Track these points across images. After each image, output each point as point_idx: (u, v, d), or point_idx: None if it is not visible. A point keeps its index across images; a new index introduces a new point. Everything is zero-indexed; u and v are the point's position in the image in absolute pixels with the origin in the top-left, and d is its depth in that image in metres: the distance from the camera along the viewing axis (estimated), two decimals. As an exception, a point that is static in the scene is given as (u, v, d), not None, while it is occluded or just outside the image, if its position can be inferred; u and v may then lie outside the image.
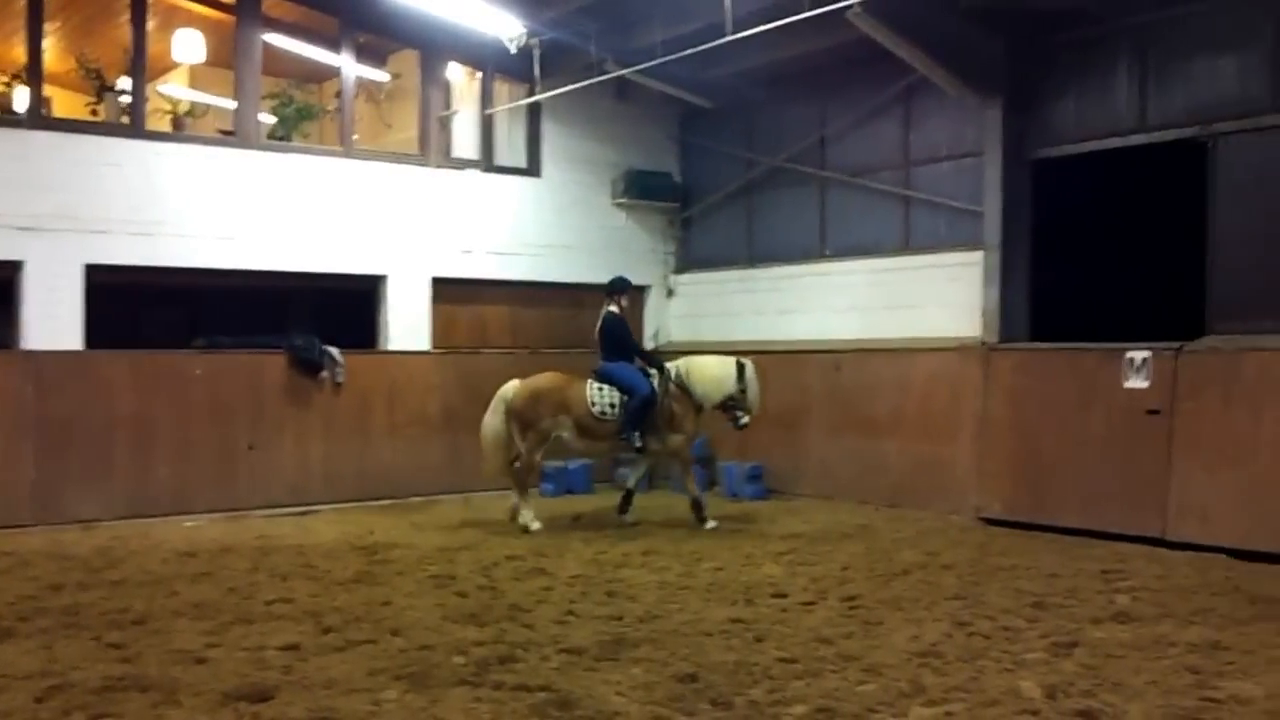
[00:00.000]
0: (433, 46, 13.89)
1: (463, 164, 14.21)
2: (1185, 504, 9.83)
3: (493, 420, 11.38)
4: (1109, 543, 9.96)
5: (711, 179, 15.53)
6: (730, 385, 11.30)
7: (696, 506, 11.23)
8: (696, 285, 15.70)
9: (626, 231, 15.49)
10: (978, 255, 11.89)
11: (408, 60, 14.67)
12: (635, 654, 6.39)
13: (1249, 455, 9.54)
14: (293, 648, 6.56)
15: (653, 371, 11.30)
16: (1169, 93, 10.72)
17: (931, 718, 5.30)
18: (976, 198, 12.00)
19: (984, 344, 11.71)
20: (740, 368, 11.34)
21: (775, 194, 14.68)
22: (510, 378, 11.44)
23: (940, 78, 11.54)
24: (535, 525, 11.10)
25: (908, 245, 13.02)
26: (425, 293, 13.76)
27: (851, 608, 7.62)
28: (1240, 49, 10.22)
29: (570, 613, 7.44)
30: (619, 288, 11.61)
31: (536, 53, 12.91)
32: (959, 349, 11.93)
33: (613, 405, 11.02)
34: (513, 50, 12.70)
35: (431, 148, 14.00)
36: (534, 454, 11.34)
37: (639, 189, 15.29)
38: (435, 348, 13.83)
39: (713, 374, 11.34)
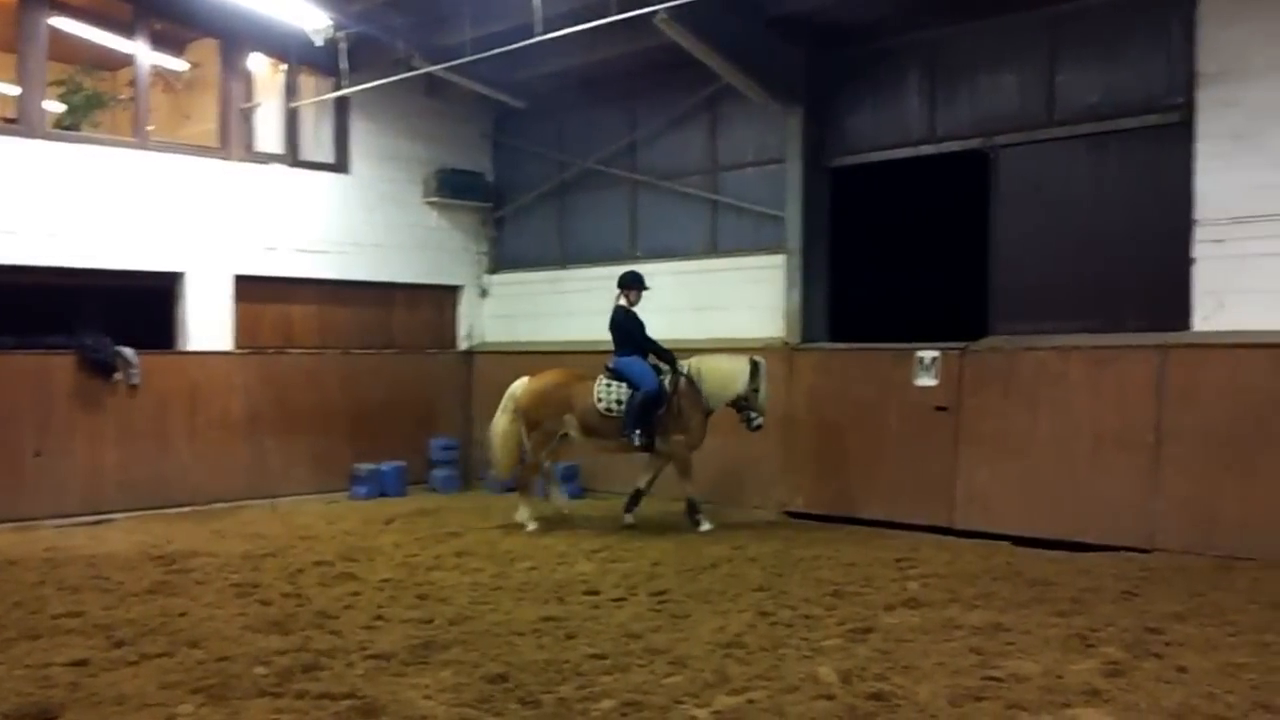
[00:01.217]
0: (233, 36, 13.46)
1: (266, 158, 13.82)
2: (970, 494, 10.44)
3: (501, 419, 11.33)
4: (904, 533, 10.46)
5: (524, 179, 15.55)
6: (740, 384, 10.79)
7: (691, 509, 10.95)
8: (510, 285, 15.70)
9: (439, 230, 15.36)
10: (780, 259, 12.28)
11: (207, 49, 14.15)
12: (445, 656, 6.40)
13: (1026, 448, 10.23)
14: (81, 663, 6.29)
15: (664, 368, 10.97)
16: (955, 106, 11.35)
17: (734, 706, 5.48)
18: (780, 203, 12.39)
19: (786, 344, 12.12)
20: (754, 366, 10.83)
21: (587, 195, 14.82)
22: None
23: (744, 86, 11.88)
24: (532, 525, 10.97)
25: (715, 248, 13.33)
26: (227, 291, 13.31)
27: (661, 602, 7.78)
28: (1019, 66, 10.90)
29: (379, 617, 7.37)
30: (628, 282, 11.21)
31: (343, 46, 12.67)
32: (763, 349, 12.25)
33: (619, 402, 10.75)
34: (318, 43, 12.45)
35: (233, 141, 13.55)
36: (538, 453, 11.20)
37: (451, 188, 15.17)
38: (238, 348, 13.39)
39: (724, 372, 10.87)
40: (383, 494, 13.72)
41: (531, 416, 11.07)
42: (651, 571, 8.88)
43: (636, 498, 11.22)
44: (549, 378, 11.24)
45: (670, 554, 9.60)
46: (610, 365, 11.04)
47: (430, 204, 15.18)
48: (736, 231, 13.15)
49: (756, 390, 10.78)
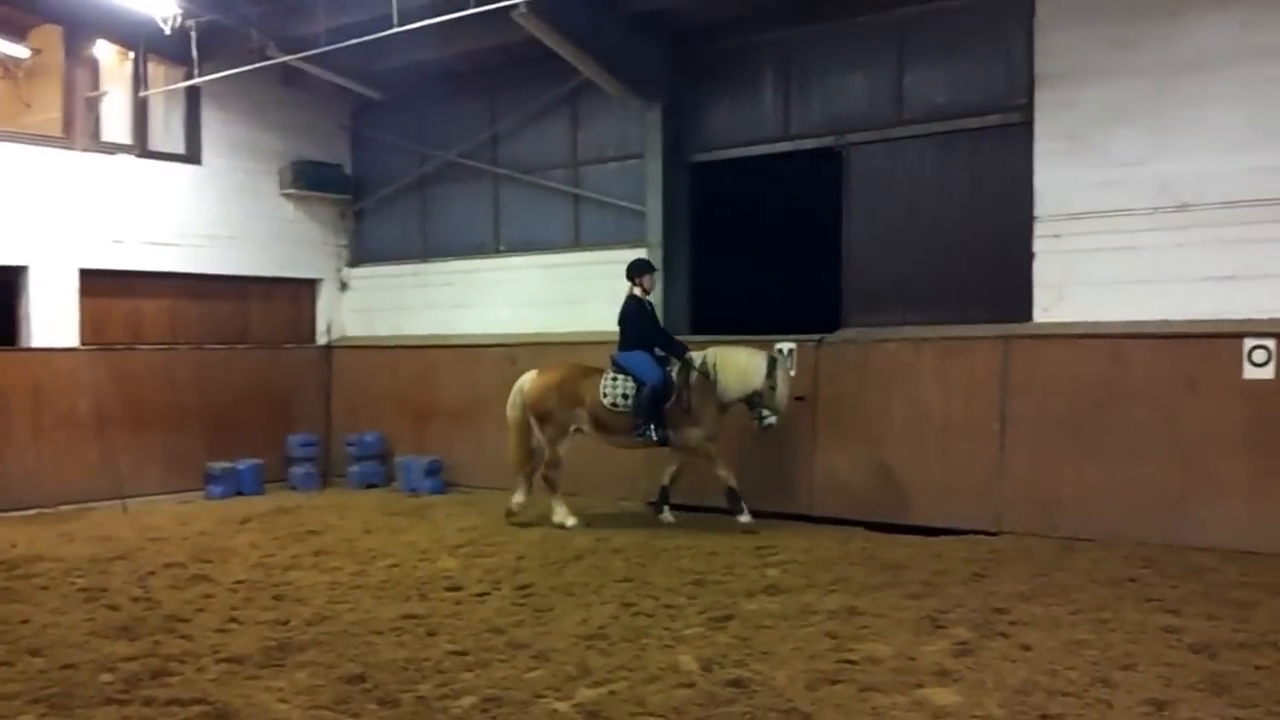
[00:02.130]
0: (78, 22, 12.92)
1: (114, 148, 13.31)
2: (827, 482, 10.71)
3: (511, 413, 11.11)
4: (764, 520, 10.61)
5: (385, 171, 15.33)
6: (756, 379, 10.15)
7: (731, 498, 10.43)
8: (371, 279, 15.47)
9: (296, 223, 15.04)
10: (642, 252, 12.33)
11: (50, 36, 13.55)
12: (301, 658, 6.31)
13: (880, 436, 10.56)
14: (-87, 677, 6.03)
15: (673, 361, 10.54)
16: (808, 104, 11.61)
17: (595, 698, 5.54)
18: (641, 197, 12.49)
19: (649, 336, 12.19)
20: (771, 362, 10.19)
21: (449, 188, 14.69)
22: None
23: (604, 81, 11.94)
24: (570, 522, 10.70)
25: (578, 242, 13.37)
26: (72, 285, 12.78)
27: (525, 596, 7.80)
28: (869, 67, 11.22)
29: (232, 620, 7.22)
30: (639, 269, 10.76)
31: (194, 34, 12.29)
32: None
33: (625, 396, 10.41)
34: (167, 30, 12.04)
35: (77, 130, 13.03)
36: (555, 448, 10.86)
37: (308, 180, 14.86)
38: (85, 344, 12.90)
39: (739, 366, 10.27)
40: (239, 493, 13.41)
41: (541, 410, 10.79)
42: (516, 566, 8.88)
43: (665, 495, 10.91)
44: (557, 371, 10.97)
45: (535, 548, 9.61)
46: (614, 358, 10.71)
47: (287, 196, 14.85)
48: (599, 225, 13.20)
49: (773, 388, 10.12)
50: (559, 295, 13.33)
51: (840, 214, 11.38)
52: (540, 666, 6.07)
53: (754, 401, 10.20)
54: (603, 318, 12.70)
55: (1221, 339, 9.05)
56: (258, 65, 12.54)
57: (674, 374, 10.43)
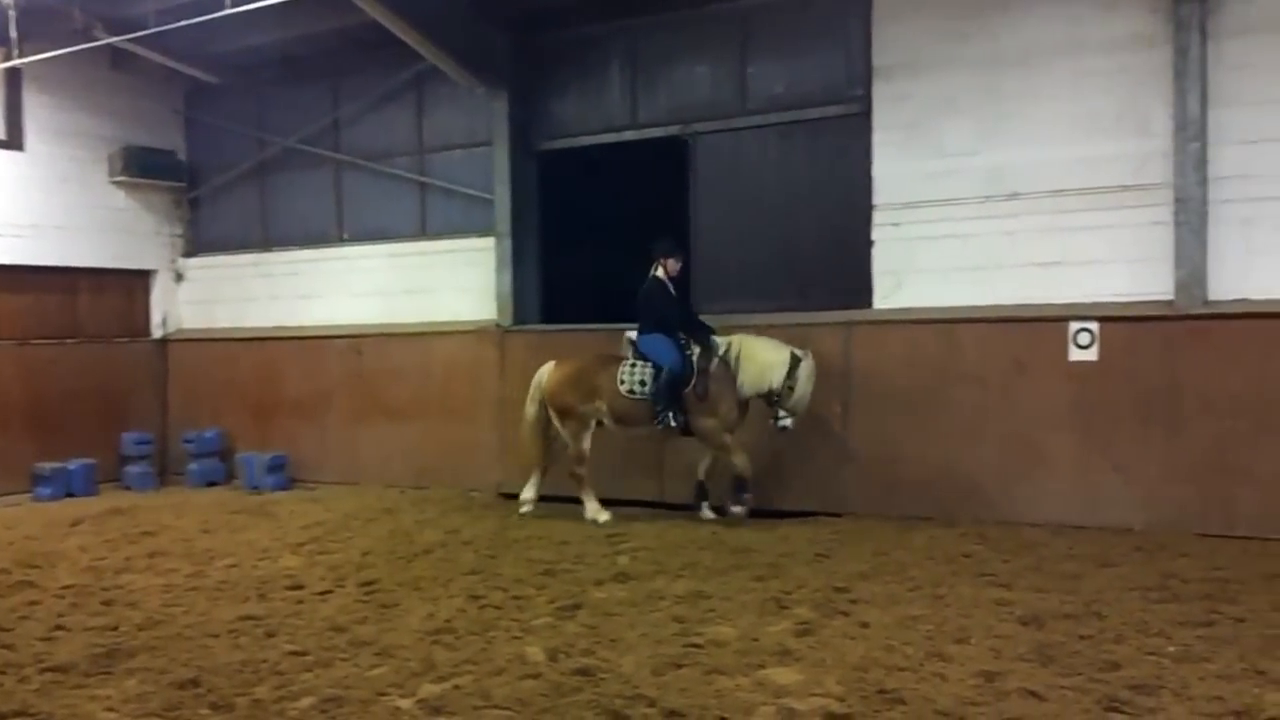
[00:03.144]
0: (-117, 0, 12.18)
1: (-75, 134, 12.62)
2: (679, 469, 10.77)
3: (529, 408, 10.65)
4: (618, 508, 10.64)
5: (222, 158, 14.80)
6: (776, 377, 9.59)
7: (740, 486, 9.91)
8: (209, 270, 14.95)
9: (127, 212, 14.43)
10: (491, 241, 12.28)
11: None
12: (131, 664, 6.07)
13: (729, 423, 10.65)
14: None
15: (694, 346, 9.94)
16: (655, 93, 11.66)
17: (439, 694, 5.47)
18: (489, 185, 12.37)
19: (499, 327, 12.14)
20: (794, 361, 9.57)
21: (290, 176, 14.29)
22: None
23: (448, 67, 11.77)
24: (604, 517, 10.19)
25: (425, 231, 13.16)
26: (-119, 279, 12.08)
27: (369, 592, 7.66)
28: (713, 57, 11.32)
29: (59, 627, 6.90)
30: (663, 250, 10.14)
31: (12, 13, 11.66)
32: (476, 332, 12.29)
33: (642, 383, 9.92)
34: (-16, 10, 11.43)
35: (-116, 114, 12.30)
36: (580, 442, 10.33)
37: (139, 167, 14.26)
38: (-103, 341, 12.20)
39: (760, 361, 9.68)
40: (70, 494, 12.85)
41: (559, 403, 10.34)
42: (361, 562, 8.71)
43: (702, 490, 10.29)
44: (575, 362, 10.46)
45: (382, 543, 9.45)
46: (634, 342, 10.22)
47: (117, 184, 14.23)
48: (446, 214, 13.03)
49: (792, 388, 9.57)
50: (406, 285, 13.14)
51: (687, 202, 11.47)
52: (383, 664, 5.97)
53: (773, 400, 9.70)
54: (453, 308, 12.66)
55: (1048, 323, 9.44)
56: (83, 47, 11.96)
57: (695, 358, 9.89)
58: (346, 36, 12.43)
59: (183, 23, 10.80)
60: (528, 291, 12.34)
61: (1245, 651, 5.77)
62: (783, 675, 5.60)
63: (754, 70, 11.06)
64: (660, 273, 10.13)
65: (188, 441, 13.94)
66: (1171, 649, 5.87)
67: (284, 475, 13.30)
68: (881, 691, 5.31)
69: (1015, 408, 9.53)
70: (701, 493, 10.27)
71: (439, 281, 12.90)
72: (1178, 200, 9.03)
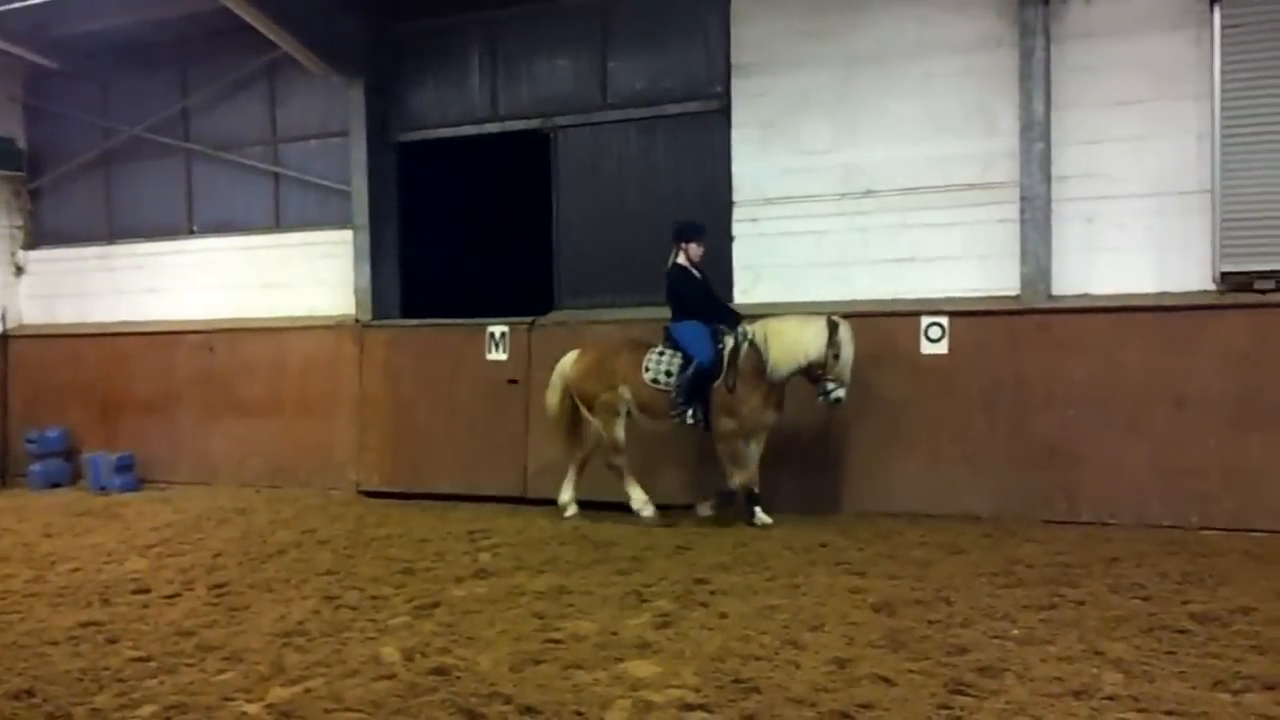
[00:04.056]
0: None
1: None
2: (541, 463, 10.74)
3: (550, 398, 10.02)
4: (480, 505, 10.58)
5: (64, 147, 14.23)
6: (815, 349, 8.97)
7: (724, 496, 9.48)
8: (51, 263, 14.36)
9: (-37, 202, 13.79)
10: (349, 234, 12.04)
11: None
12: (-39, 676, 5.77)
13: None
14: None
15: (727, 335, 9.34)
16: (516, 85, 11.61)
17: (289, 698, 5.31)
18: (346, 177, 12.14)
19: (358, 321, 11.93)
20: (832, 327, 8.97)
21: (137, 165, 13.80)
22: None
23: (303, 56, 11.52)
24: (648, 512, 9.63)
25: (279, 223, 12.88)
26: None
27: (219, 595, 7.43)
28: (574, 50, 11.32)
29: (-118, 640, 6.52)
30: (687, 233, 9.49)
31: None
32: (334, 327, 12.06)
33: (668, 373, 9.32)
34: None
35: None
36: (613, 431, 9.66)
37: (-25, 156, 13.64)
38: None
39: (792, 335, 9.06)
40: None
41: (584, 391, 9.72)
42: (212, 564, 8.45)
43: (751, 495, 9.45)
44: (601, 347, 9.94)
45: (235, 544, 9.20)
46: (665, 330, 9.63)
47: (-50, 173, 13.58)
48: (302, 206, 12.77)
49: (836, 355, 8.96)
50: (259, 279, 12.84)
51: (549, 196, 11.42)
52: (231, 668, 5.78)
53: (815, 374, 9.08)
54: (309, 302, 12.39)
55: (902, 317, 9.66)
56: (-88, 29, 11.39)
57: (725, 351, 9.30)
58: (196, 22, 12.13)
59: (20, 4, 10.35)
60: (387, 286, 12.16)
61: (1085, 633, 5.96)
62: (641, 668, 5.59)
63: (615, 65, 11.08)
64: (682, 259, 9.53)
65: (30, 442, 13.38)
66: (1016, 632, 6.03)
67: (132, 476, 12.83)
68: (737, 681, 5.34)
69: (871, 401, 9.72)
70: (751, 497, 9.43)
71: (294, 275, 12.63)
72: (1023, 198, 9.35)
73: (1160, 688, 5.04)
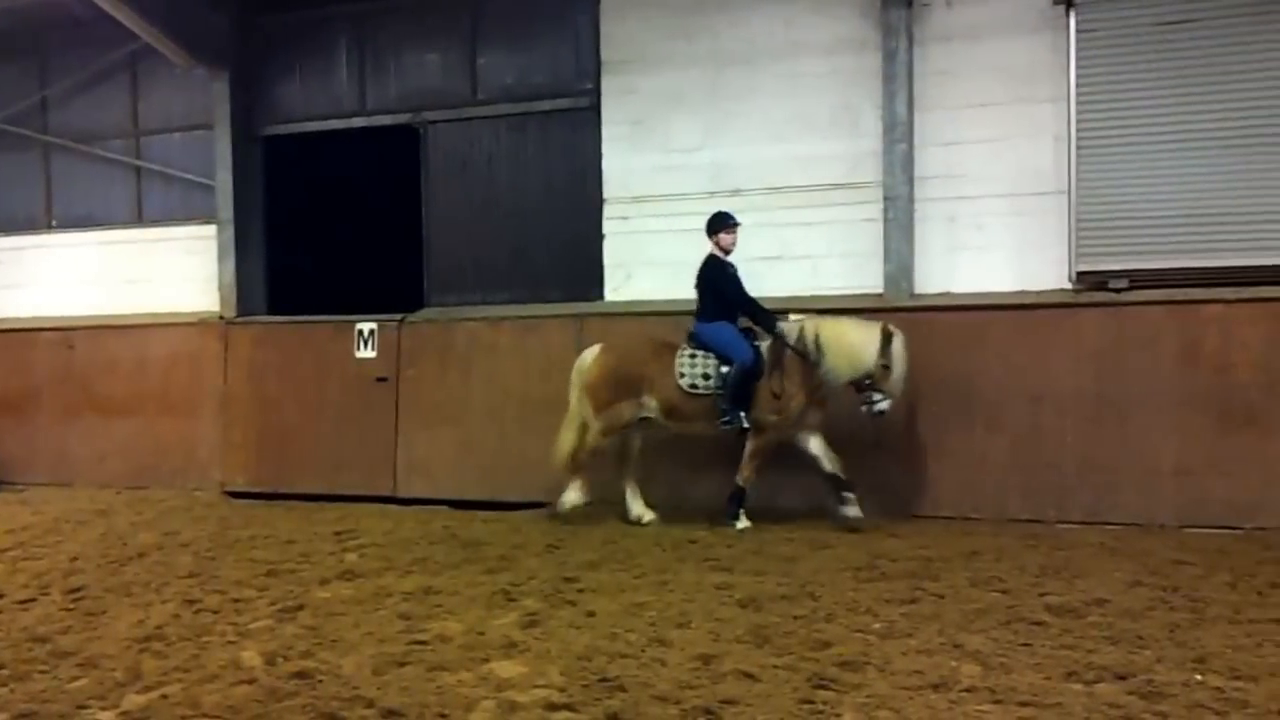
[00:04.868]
0: None
1: None
2: (411, 462, 10.67)
3: (574, 398, 9.35)
4: (348, 505, 10.43)
5: (-87, 137, 13.61)
6: (869, 359, 8.62)
7: (735, 499, 9.01)
8: (-106, 259, 13.70)
9: None
10: (213, 229, 11.78)
11: None
12: None
13: (462, 415, 10.66)
14: None
15: (761, 334, 8.97)
16: (385, 80, 11.49)
17: (145, 704, 5.18)
18: (211, 171, 11.88)
19: (222, 318, 11.67)
20: (886, 337, 8.65)
21: (-10, 158, 13.28)
22: None
23: (165, 47, 11.24)
24: (648, 517, 9.20)
25: (141, 218, 12.52)
26: None
27: (76, 600, 7.19)
28: (444, 45, 11.23)
29: None
30: (718, 224, 9.02)
31: None
32: (198, 324, 11.78)
33: (706, 377, 8.80)
34: None
35: None
36: (602, 440, 9.20)
37: None
38: None
39: (849, 343, 8.67)
40: None
41: (602, 396, 9.09)
42: (69, 568, 8.17)
43: (838, 483, 8.93)
44: (622, 349, 9.29)
45: (93, 547, 8.91)
46: (692, 332, 9.12)
47: None
48: (165, 200, 12.44)
49: (887, 366, 8.66)
50: (121, 274, 12.49)
51: (419, 192, 11.32)
52: (85, 675, 5.61)
53: (864, 384, 8.76)
54: (173, 298, 12.09)
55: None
56: None
57: (764, 350, 8.92)
58: (55, 10, 11.74)
59: None
60: (252, 282, 11.93)
61: (945, 626, 6.10)
62: (507, 668, 5.58)
63: (485, 60, 11.04)
64: (717, 250, 9.09)
65: (-126, 443, 12.75)
66: (877, 626, 6.15)
67: (-15, 478, 12.36)
68: (603, 680, 5.36)
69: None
70: (838, 485, 8.93)
71: (158, 271, 12.31)
72: (887, 198, 9.57)
73: (1016, 679, 5.17)
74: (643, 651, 5.79)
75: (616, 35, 10.40)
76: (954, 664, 5.45)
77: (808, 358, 8.71)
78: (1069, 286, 9.24)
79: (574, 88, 10.67)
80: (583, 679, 5.38)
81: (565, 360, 10.15)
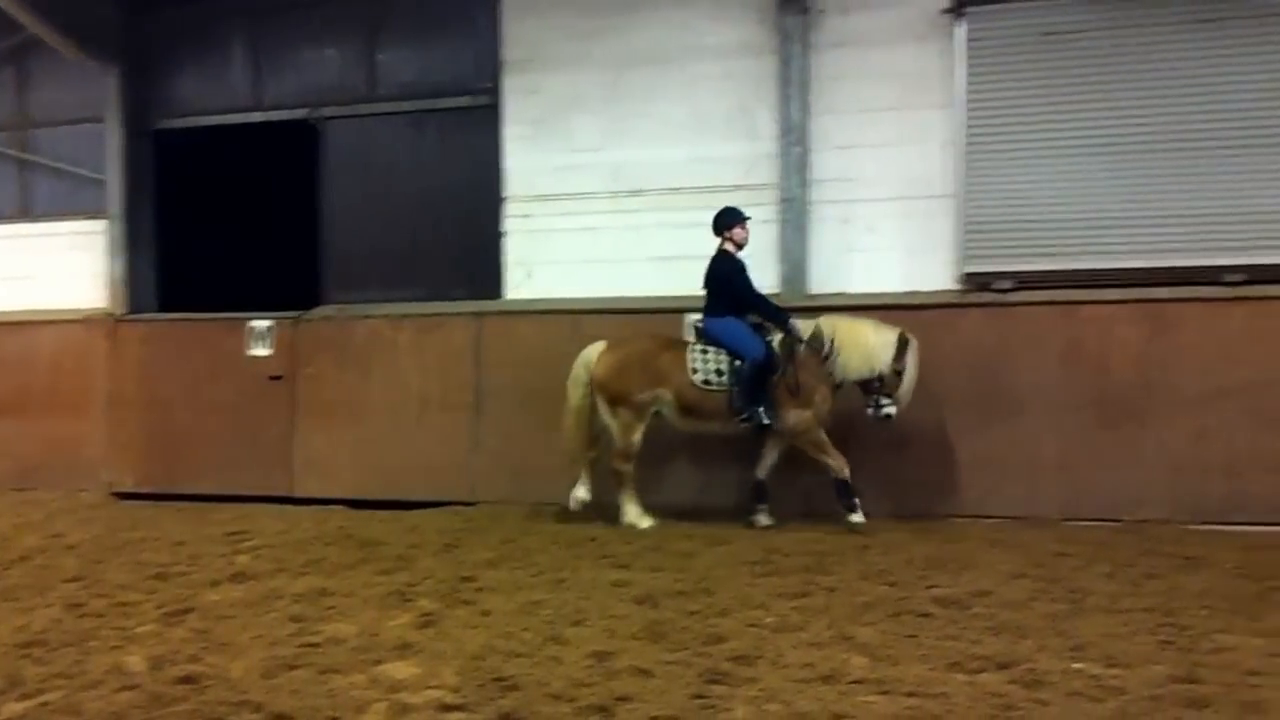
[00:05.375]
0: None
1: None
2: (307, 462, 10.55)
3: (573, 391, 9.12)
4: (242, 505, 10.25)
5: None
6: (882, 361, 8.62)
7: (842, 491, 8.76)
8: None
9: None
10: (102, 224, 11.52)
11: None
12: None
13: (360, 414, 10.56)
14: None
15: (773, 329, 8.83)
16: (281, 75, 11.34)
17: (24, 712, 5.05)
18: (101, 165, 11.62)
19: (111, 315, 11.41)
20: (903, 342, 8.66)
21: None
22: None
23: (53, 39, 10.99)
24: (645, 524, 8.89)
25: (27, 212, 12.19)
26: None
27: (-47, 607, 6.98)
28: (342, 41, 11.14)
29: None
30: (728, 220, 8.88)
31: None
32: (85, 321, 11.50)
33: (719, 372, 8.69)
34: None
35: None
36: (630, 436, 8.93)
37: None
38: None
39: (865, 343, 8.66)
40: None
41: (614, 390, 8.93)
42: (-53, 574, 7.93)
43: (762, 491, 9.09)
44: (634, 344, 9.09)
45: (-30, 551, 8.64)
46: (702, 327, 9.02)
47: None
48: (52, 194, 12.16)
49: (900, 372, 8.67)
50: (5, 270, 12.19)
51: (316, 188, 11.19)
52: (-38, 684, 5.46)
53: (873, 386, 8.75)
54: (59, 295, 11.80)
55: (668, 314, 9.84)
56: None
57: (776, 345, 8.82)
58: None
59: None
60: (143, 278, 11.70)
61: (835, 619, 6.20)
62: (400, 670, 5.54)
63: (384, 57, 10.97)
64: (729, 246, 8.95)
65: None
66: (770, 620, 6.22)
67: None
68: (497, 679, 5.35)
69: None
70: (760, 494, 9.08)
71: (44, 267, 12.01)
72: (783, 200, 9.72)
73: (903, 670, 5.27)
74: (538, 650, 5.79)
75: (518, 35, 10.39)
76: (843, 656, 5.53)
77: (821, 353, 8.74)
78: (956, 287, 9.46)
79: (475, 86, 10.64)
80: (477, 679, 5.37)
81: (465, 359, 10.20)
